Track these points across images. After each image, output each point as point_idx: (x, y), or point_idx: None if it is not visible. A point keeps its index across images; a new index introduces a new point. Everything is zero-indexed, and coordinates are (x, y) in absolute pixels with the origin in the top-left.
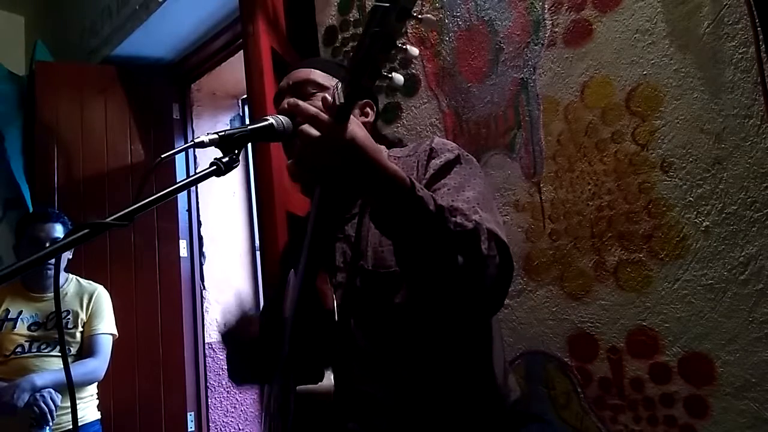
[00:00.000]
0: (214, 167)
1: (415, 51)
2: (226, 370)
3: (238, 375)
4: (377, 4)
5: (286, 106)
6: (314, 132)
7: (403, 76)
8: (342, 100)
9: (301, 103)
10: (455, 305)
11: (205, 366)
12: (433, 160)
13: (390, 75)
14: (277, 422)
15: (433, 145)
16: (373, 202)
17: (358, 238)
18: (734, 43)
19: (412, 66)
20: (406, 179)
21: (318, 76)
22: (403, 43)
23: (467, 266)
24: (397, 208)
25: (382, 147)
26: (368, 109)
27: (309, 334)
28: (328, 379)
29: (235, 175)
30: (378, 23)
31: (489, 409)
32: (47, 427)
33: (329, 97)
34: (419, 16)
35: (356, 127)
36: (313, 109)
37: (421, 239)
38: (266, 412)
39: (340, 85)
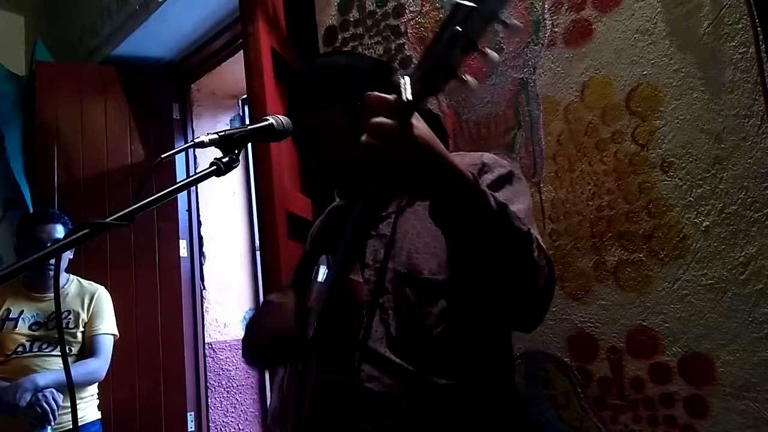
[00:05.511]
0: (214, 167)
1: (496, 56)
2: (225, 370)
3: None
4: (460, 2)
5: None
6: (382, 140)
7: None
8: (409, 97)
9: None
10: (503, 310)
11: (205, 366)
12: (485, 175)
13: (466, 78)
14: (289, 406)
15: (484, 159)
16: (435, 197)
17: (392, 239)
18: (734, 43)
19: (411, 66)
20: (469, 174)
21: (320, 115)
22: (483, 46)
23: (520, 269)
24: (460, 203)
25: None
26: None
27: (336, 323)
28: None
29: (235, 175)
30: (460, 23)
31: (509, 418)
32: (49, 427)
33: (391, 98)
34: (507, 22)
35: (420, 123)
36: (376, 120)
37: (481, 235)
38: (278, 391)
39: (408, 81)
